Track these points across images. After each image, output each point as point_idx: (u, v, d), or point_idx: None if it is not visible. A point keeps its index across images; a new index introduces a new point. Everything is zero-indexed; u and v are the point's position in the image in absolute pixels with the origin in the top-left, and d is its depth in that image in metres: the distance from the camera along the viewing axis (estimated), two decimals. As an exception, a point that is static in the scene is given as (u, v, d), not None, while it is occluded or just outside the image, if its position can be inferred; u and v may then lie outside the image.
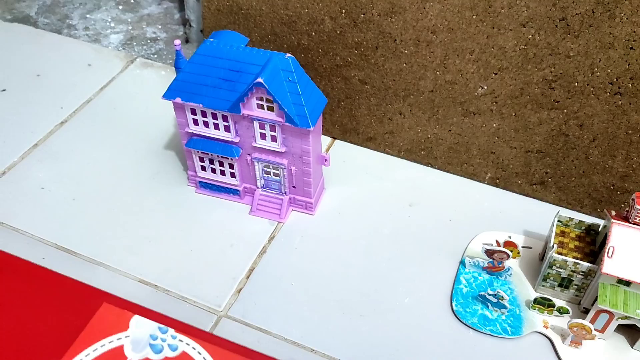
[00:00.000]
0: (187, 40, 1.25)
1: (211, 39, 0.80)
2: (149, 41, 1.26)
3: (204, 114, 0.83)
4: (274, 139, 0.82)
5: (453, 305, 0.79)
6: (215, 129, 0.84)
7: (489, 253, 0.80)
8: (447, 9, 0.84)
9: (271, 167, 0.87)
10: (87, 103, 1.09)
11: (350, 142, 1.01)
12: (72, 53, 1.20)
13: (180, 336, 0.71)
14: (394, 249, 0.87)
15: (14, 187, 0.94)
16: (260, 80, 0.75)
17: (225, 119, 0.82)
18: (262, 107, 0.79)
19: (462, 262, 0.84)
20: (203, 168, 0.90)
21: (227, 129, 0.84)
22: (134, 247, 0.86)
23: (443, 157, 0.96)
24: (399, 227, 0.89)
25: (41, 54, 1.19)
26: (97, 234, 0.88)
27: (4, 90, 1.11)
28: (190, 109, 0.83)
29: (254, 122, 0.81)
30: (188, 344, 0.70)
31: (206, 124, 0.84)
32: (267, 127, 0.81)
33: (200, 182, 0.92)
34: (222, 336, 0.75)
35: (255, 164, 0.86)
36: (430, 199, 0.93)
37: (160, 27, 1.30)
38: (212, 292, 0.81)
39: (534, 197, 0.92)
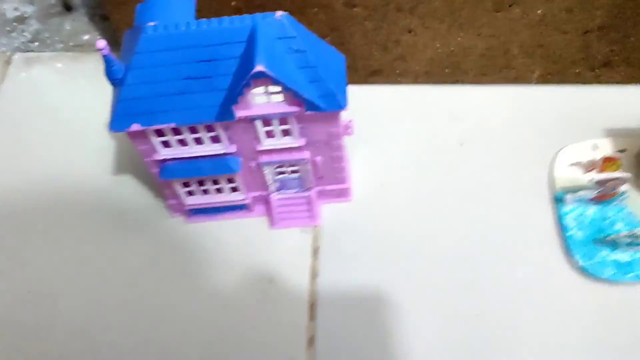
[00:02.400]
0: (67, 8, 0.91)
1: (151, 24, 0.52)
2: (14, 24, 0.91)
3: (176, 131, 0.57)
4: (287, 133, 0.58)
5: (577, 259, 0.62)
6: (197, 144, 0.58)
7: (601, 183, 0.62)
8: None
9: (287, 166, 0.63)
10: (-25, 145, 0.77)
11: (350, 82, 0.77)
12: None
13: None
14: (468, 207, 0.67)
15: None
16: (260, 68, 0.48)
17: (210, 128, 0.56)
18: (264, 99, 0.54)
19: (557, 199, 0.66)
20: (190, 193, 0.65)
21: (215, 140, 0.58)
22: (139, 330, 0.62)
23: (475, 69, 0.74)
24: (459, 177, 0.69)
25: None
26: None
27: None
28: (155, 130, 0.56)
29: (255, 122, 0.56)
30: None
31: (183, 143, 0.58)
32: (276, 122, 0.56)
33: (189, 209, 0.67)
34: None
35: (265, 168, 0.62)
36: (479, 127, 0.73)
37: (19, -2, 0.94)
38: (282, 357, 0.60)
39: (597, 84, 0.74)
